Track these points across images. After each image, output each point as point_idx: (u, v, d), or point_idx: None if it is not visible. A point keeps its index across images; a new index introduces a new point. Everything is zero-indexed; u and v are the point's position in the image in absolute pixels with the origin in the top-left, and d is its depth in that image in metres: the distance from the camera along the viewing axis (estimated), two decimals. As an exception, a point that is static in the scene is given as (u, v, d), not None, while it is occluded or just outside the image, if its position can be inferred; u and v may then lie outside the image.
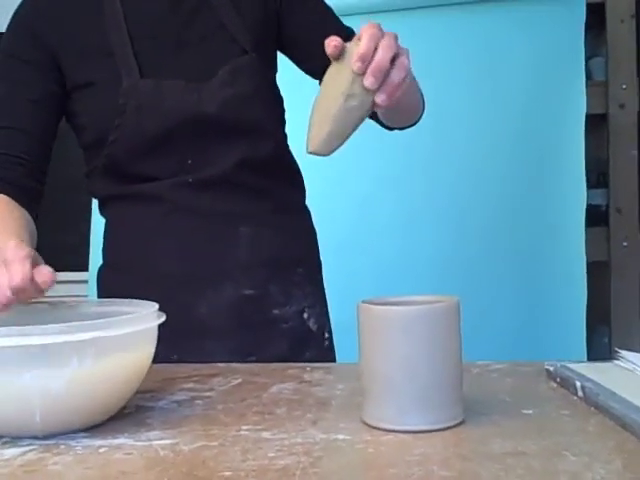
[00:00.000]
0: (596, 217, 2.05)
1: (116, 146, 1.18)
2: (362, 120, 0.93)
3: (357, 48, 0.88)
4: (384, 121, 1.20)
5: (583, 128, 1.92)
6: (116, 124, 1.16)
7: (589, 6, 1.97)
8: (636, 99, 2.02)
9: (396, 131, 1.27)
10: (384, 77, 0.89)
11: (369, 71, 0.88)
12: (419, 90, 1.19)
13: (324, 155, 0.95)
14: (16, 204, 1.15)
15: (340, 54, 0.90)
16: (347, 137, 0.93)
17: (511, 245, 2.00)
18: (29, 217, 1.17)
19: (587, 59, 2.01)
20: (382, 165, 2.10)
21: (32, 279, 0.84)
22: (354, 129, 0.93)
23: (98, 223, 1.34)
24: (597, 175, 2.14)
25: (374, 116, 1.19)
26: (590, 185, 1.99)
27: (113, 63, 1.18)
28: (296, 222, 1.31)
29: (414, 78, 1.12)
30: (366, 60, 0.88)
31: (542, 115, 2.02)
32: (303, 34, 1.05)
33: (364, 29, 0.89)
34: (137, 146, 1.18)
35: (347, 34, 1.17)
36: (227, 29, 1.22)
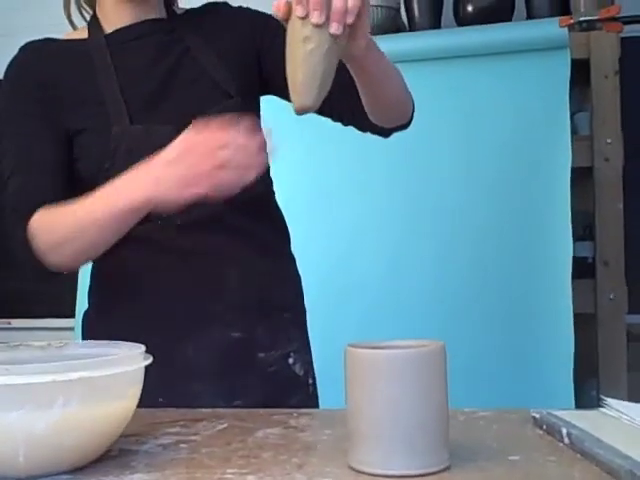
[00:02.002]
0: (582, 269, 2.06)
1: None
2: (331, 61, 0.95)
3: None
4: (372, 115, 1.21)
5: (569, 181, 1.95)
6: (106, 167, 1.18)
7: (574, 62, 2.00)
8: (621, 153, 2.04)
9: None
10: (327, 9, 0.91)
11: (310, 7, 0.91)
12: (401, 76, 1.21)
13: (311, 107, 0.96)
14: None
15: (288, 12, 0.94)
16: (324, 83, 0.95)
17: (498, 296, 2.01)
18: None
19: (572, 114, 2.04)
20: (365, 209, 2.12)
21: None
22: (325, 72, 0.94)
23: (85, 270, 1.34)
24: (583, 228, 2.16)
25: (365, 124, 1.23)
26: (576, 237, 2.00)
27: (104, 111, 1.21)
28: (282, 267, 1.33)
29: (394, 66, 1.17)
30: (303, 1, 0.91)
31: (529, 169, 2.04)
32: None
33: None
34: None
35: None
36: (210, 76, 1.25)
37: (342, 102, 1.24)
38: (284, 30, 1.31)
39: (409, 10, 2.31)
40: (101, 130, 1.20)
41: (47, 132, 1.24)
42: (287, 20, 0.95)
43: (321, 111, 1.29)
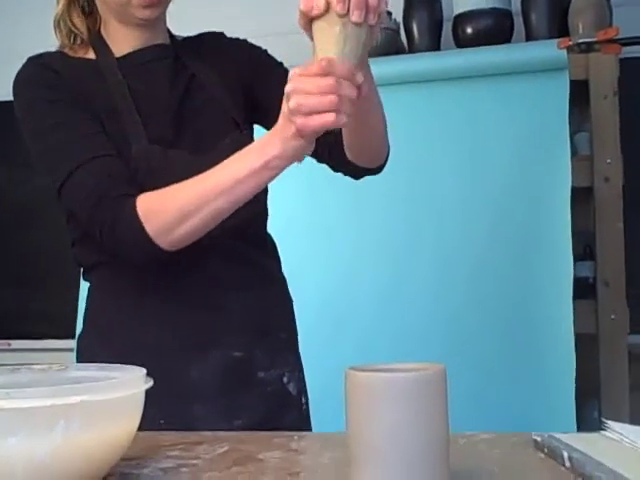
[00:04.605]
0: (583, 290, 2.06)
1: None
2: (360, 60, 0.98)
3: None
4: (352, 149, 1.21)
5: (569, 201, 1.95)
6: None
7: (573, 83, 2.02)
8: (620, 173, 2.05)
9: (365, 178, 1.29)
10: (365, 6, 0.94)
11: (352, 6, 0.93)
12: (383, 112, 1.20)
13: None
14: None
15: (326, 10, 0.95)
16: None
17: (498, 317, 2.01)
18: None
19: (572, 134, 2.05)
20: (363, 231, 2.13)
21: None
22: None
23: (85, 291, 1.34)
24: (584, 248, 2.17)
25: (340, 161, 1.23)
26: (577, 257, 2.00)
27: (121, 130, 1.20)
28: (277, 290, 1.35)
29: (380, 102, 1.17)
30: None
31: (529, 189, 2.05)
32: (277, 102, 1.09)
33: None
34: None
35: None
36: (219, 104, 1.27)
37: (320, 137, 1.25)
38: (278, 67, 1.33)
39: (408, 32, 2.33)
40: (119, 148, 1.19)
41: (93, 118, 1.20)
42: (313, 20, 0.96)
43: None
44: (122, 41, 1.28)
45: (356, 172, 1.28)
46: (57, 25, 1.31)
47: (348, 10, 0.93)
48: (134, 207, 1.12)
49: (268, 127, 1.31)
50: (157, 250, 1.12)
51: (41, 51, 1.29)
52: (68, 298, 2.20)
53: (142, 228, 1.11)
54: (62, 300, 2.46)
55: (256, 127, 1.34)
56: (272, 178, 1.09)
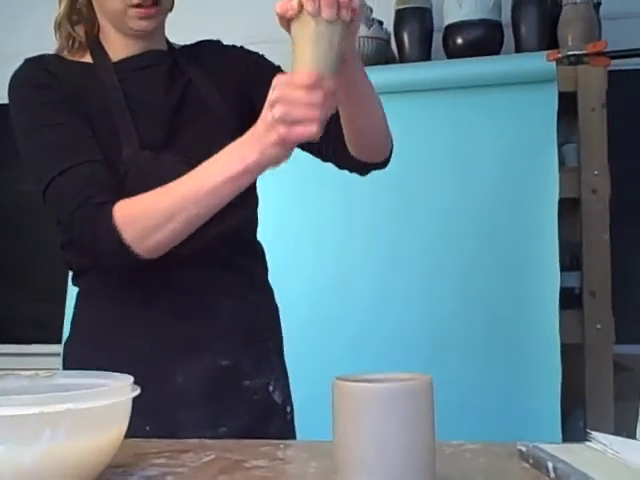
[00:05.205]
0: (570, 300, 2.07)
1: None
2: (338, 60, 0.99)
3: None
4: (354, 146, 1.21)
5: (556, 212, 1.96)
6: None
7: (561, 95, 2.03)
8: (608, 185, 2.06)
9: (370, 174, 1.29)
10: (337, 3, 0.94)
11: (323, 4, 0.94)
12: (383, 109, 1.21)
13: None
14: None
15: (299, 11, 0.96)
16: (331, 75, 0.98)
17: (485, 326, 2.01)
18: None
19: (560, 146, 2.06)
20: (351, 238, 2.13)
21: None
22: (335, 71, 0.98)
23: (74, 296, 1.34)
24: (570, 258, 2.18)
25: (345, 159, 1.24)
26: (564, 268, 2.01)
27: (114, 134, 1.21)
28: (265, 298, 1.36)
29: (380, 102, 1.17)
30: None
31: (516, 200, 2.06)
32: None
33: None
34: None
35: None
36: (214, 111, 1.27)
37: (324, 135, 1.25)
38: (276, 70, 1.34)
39: (399, 42, 2.34)
40: (111, 151, 1.19)
41: (84, 123, 1.21)
42: (290, 21, 0.98)
43: (302, 144, 1.31)
44: (119, 48, 1.29)
45: (361, 168, 1.28)
46: (57, 27, 1.32)
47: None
48: (112, 215, 1.12)
49: None
50: (134, 257, 1.13)
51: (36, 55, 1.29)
52: (55, 303, 2.19)
53: (119, 236, 1.12)
54: (49, 305, 2.45)
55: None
56: (249, 183, 1.09)
